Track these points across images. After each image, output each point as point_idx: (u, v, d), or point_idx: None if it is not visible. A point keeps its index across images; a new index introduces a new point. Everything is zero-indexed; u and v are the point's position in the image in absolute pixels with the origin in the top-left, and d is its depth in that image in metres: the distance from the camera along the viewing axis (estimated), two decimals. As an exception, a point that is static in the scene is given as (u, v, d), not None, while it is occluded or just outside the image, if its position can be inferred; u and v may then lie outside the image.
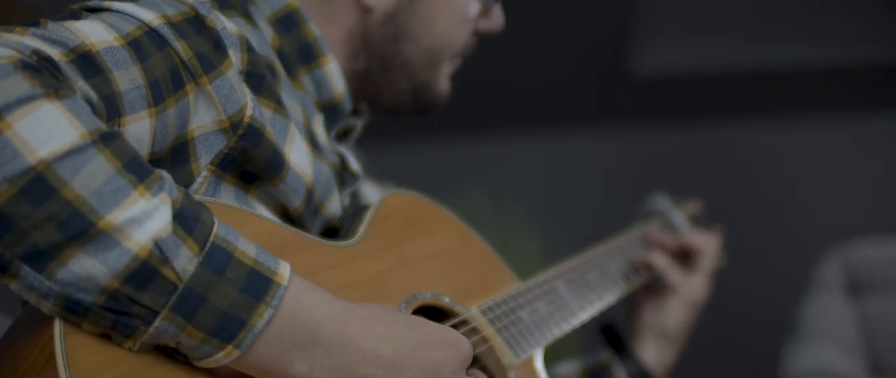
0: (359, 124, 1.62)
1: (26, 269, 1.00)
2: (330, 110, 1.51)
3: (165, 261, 1.03)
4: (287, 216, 1.39)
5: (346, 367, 1.13)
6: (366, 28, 1.51)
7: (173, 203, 1.06)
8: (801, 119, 4.23)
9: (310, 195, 1.39)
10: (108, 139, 1.03)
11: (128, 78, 1.15)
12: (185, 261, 1.04)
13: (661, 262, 1.82)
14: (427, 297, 1.42)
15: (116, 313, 1.03)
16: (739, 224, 4.28)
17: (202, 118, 1.26)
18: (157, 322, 1.04)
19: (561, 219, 4.15)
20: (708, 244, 1.86)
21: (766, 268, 4.29)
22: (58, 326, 1.03)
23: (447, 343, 1.22)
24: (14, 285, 1.01)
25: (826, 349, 3.33)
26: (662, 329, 1.80)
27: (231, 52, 1.29)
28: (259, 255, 1.10)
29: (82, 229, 0.99)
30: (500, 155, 4.43)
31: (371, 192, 1.70)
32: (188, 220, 1.06)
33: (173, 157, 1.24)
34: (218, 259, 1.06)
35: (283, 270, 1.11)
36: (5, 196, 0.97)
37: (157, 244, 1.02)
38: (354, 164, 1.57)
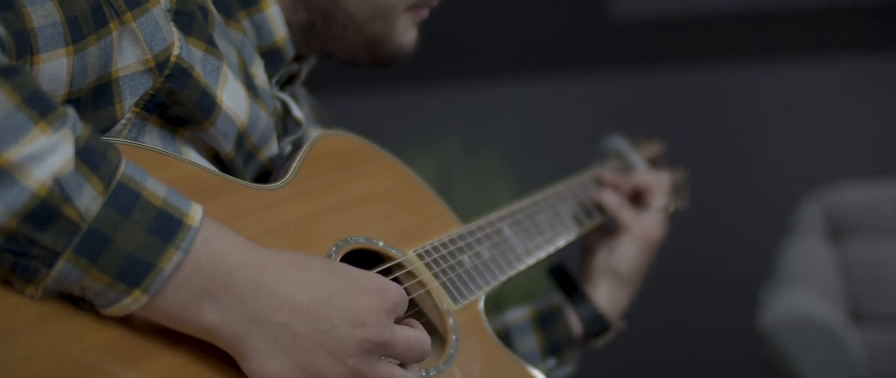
0: (304, 69, 1.56)
1: None
2: (271, 55, 1.45)
3: (67, 199, 0.98)
4: (218, 160, 1.35)
5: (259, 315, 1.08)
6: None
7: (77, 139, 1.01)
8: (780, 61, 4.19)
9: (241, 139, 1.35)
10: (8, 74, 0.99)
11: (42, 14, 1.10)
12: (89, 200, 1.00)
13: (612, 200, 1.77)
14: (360, 242, 1.38)
15: (16, 255, 0.98)
16: (719, 168, 4.26)
17: (126, 58, 1.21)
18: (60, 264, 0.99)
19: (538, 165, 4.11)
20: (659, 182, 1.81)
21: (746, 212, 4.26)
22: None
23: (372, 289, 1.16)
24: None
25: (805, 294, 3.31)
26: (615, 270, 1.75)
27: None
28: (169, 196, 1.06)
29: None
30: (477, 101, 4.39)
31: None
32: (93, 157, 1.02)
33: (95, 98, 1.20)
34: (124, 199, 1.02)
35: (195, 212, 1.06)
36: None
37: (58, 181, 0.98)
38: (298, 112, 1.51)
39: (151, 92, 1.23)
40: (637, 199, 1.82)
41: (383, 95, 4.23)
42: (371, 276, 1.18)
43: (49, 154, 0.98)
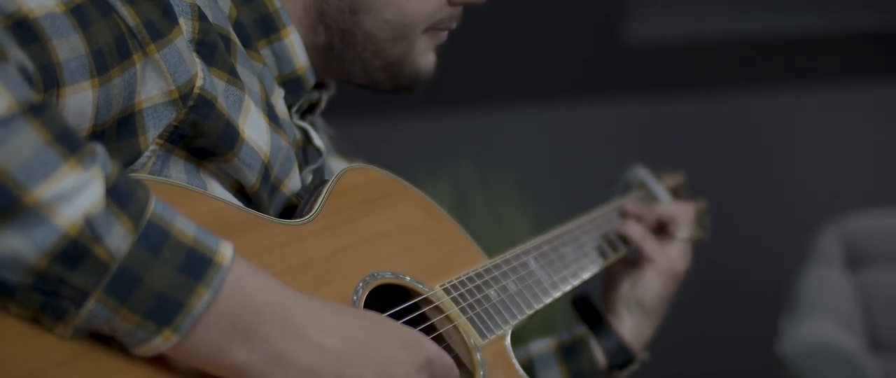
0: (324, 98, 1.55)
1: None
2: (291, 84, 1.44)
3: (97, 238, 0.97)
4: (242, 193, 1.33)
5: (286, 356, 1.07)
6: (321, 1, 1.43)
7: (107, 178, 1.00)
8: (798, 87, 4.18)
9: (266, 171, 1.34)
10: (38, 110, 0.98)
11: (68, 46, 1.09)
12: (119, 239, 0.98)
13: (636, 232, 1.76)
14: (386, 276, 1.36)
15: (45, 294, 0.97)
16: (737, 195, 4.24)
17: (150, 89, 1.20)
18: (89, 304, 0.98)
19: (553, 189, 4.10)
20: (683, 212, 1.80)
21: (764, 239, 4.24)
22: None
23: (404, 342, 1.16)
24: None
25: (824, 322, 3.29)
26: (639, 301, 1.75)
27: (181, 20, 1.24)
28: (199, 235, 1.04)
29: (7, 204, 0.93)
30: (492, 125, 4.38)
31: (338, 168, 1.64)
32: (123, 195, 1.00)
33: (119, 130, 1.19)
34: (154, 238, 1.01)
35: (225, 250, 1.05)
36: None
37: (88, 220, 0.97)
38: (318, 140, 1.50)
39: (175, 123, 1.22)
40: (661, 229, 1.81)
41: (398, 121, 4.22)
42: (406, 331, 1.18)
43: (79, 192, 0.97)
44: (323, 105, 1.56)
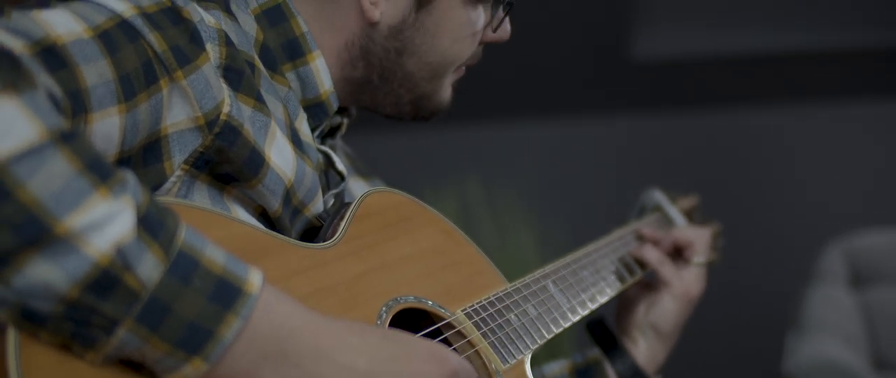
0: (345, 122, 1.56)
1: None
2: (315, 108, 1.44)
3: (128, 268, 0.97)
4: (265, 217, 1.34)
5: None
6: (368, 40, 1.45)
7: (138, 206, 1.00)
8: (803, 105, 4.19)
9: (288, 196, 1.34)
10: (69, 139, 0.97)
11: (96, 72, 1.10)
12: (150, 268, 0.98)
13: (653, 256, 1.77)
14: (409, 301, 1.37)
15: (76, 323, 0.97)
16: (741, 212, 4.24)
17: (176, 115, 1.20)
18: (120, 333, 0.98)
19: (559, 206, 4.11)
20: (699, 237, 1.81)
21: (769, 258, 4.24)
22: (12, 336, 0.97)
23: (430, 357, 1.17)
24: None
25: (829, 341, 3.30)
26: (654, 325, 1.76)
27: (208, 46, 1.25)
28: (228, 263, 1.04)
29: (38, 234, 0.93)
30: (498, 142, 4.38)
31: (358, 190, 1.64)
32: (153, 224, 1.00)
33: (145, 155, 1.20)
34: (184, 267, 1.01)
35: (254, 279, 1.05)
36: None
37: (120, 250, 0.96)
38: (340, 164, 1.51)
39: (201, 149, 1.23)
40: (677, 253, 1.82)
41: (405, 136, 4.22)
42: (430, 344, 1.18)
43: (110, 221, 0.97)
44: (344, 129, 1.57)
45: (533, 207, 3.95)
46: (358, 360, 1.10)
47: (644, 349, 1.76)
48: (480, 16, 1.50)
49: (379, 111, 1.54)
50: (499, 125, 4.41)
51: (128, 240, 0.97)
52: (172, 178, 1.22)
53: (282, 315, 1.06)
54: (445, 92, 1.54)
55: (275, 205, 1.32)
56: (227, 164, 1.26)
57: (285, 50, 1.42)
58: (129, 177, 1.02)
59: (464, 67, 1.55)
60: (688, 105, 4.30)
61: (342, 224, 1.37)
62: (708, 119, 4.25)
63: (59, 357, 0.99)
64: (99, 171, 0.98)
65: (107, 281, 0.96)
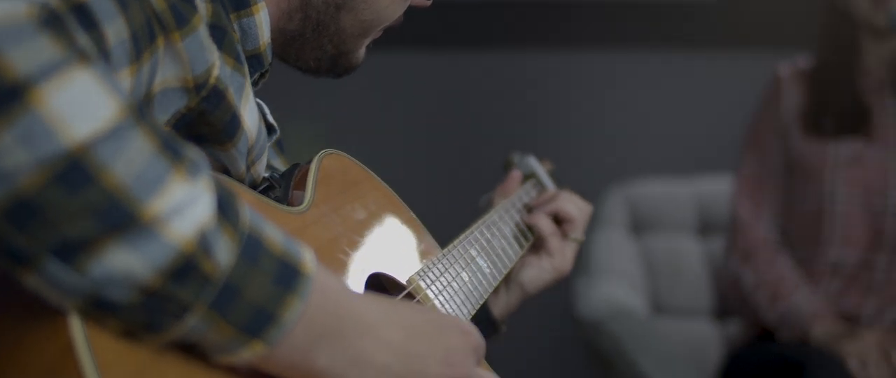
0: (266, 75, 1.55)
1: (54, 262, 0.88)
2: (252, 60, 1.40)
3: (208, 253, 0.94)
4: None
5: (364, 356, 1.08)
6: None
7: (214, 188, 0.97)
8: (587, 51, 4.27)
9: (248, 155, 1.33)
10: (142, 114, 0.93)
11: (114, 31, 1.02)
12: (226, 252, 0.95)
13: (546, 226, 1.83)
14: (380, 269, 1.41)
15: (149, 311, 0.93)
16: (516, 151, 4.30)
17: (165, 73, 1.15)
18: (191, 320, 0.95)
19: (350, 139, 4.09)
20: (581, 213, 1.88)
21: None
22: (78, 326, 0.92)
23: (459, 330, 1.21)
24: (31, 279, 0.89)
25: (615, 285, 3.45)
26: (523, 284, 1.82)
27: (198, 3, 1.20)
28: (285, 243, 1.03)
29: (123, 220, 0.88)
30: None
31: None
32: (225, 205, 0.98)
33: None
34: (252, 248, 0.98)
35: (308, 257, 1.04)
36: (35, 182, 0.85)
37: (204, 236, 0.93)
38: (270, 116, 1.50)
39: (184, 111, 1.19)
40: (556, 224, 1.88)
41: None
42: (452, 318, 1.23)
43: (192, 205, 0.93)
44: (259, 84, 1.56)
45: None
46: (396, 336, 1.12)
47: (503, 302, 1.83)
48: None
49: (298, 64, 1.52)
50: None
51: (210, 225, 0.94)
52: None
53: (334, 293, 1.06)
54: (363, 51, 1.54)
55: (241, 167, 1.31)
56: (205, 126, 1.23)
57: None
58: (198, 154, 0.98)
59: (382, 29, 1.55)
60: (467, 45, 4.27)
61: (308, 187, 1.37)
62: (489, 60, 4.25)
63: (125, 345, 0.95)
64: (173, 149, 0.94)
65: (187, 267, 0.93)
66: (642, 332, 3.25)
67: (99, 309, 0.92)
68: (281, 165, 1.60)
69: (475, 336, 1.23)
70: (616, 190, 3.80)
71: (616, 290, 3.42)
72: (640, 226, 3.78)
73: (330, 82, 1.62)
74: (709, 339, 3.58)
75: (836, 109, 3.02)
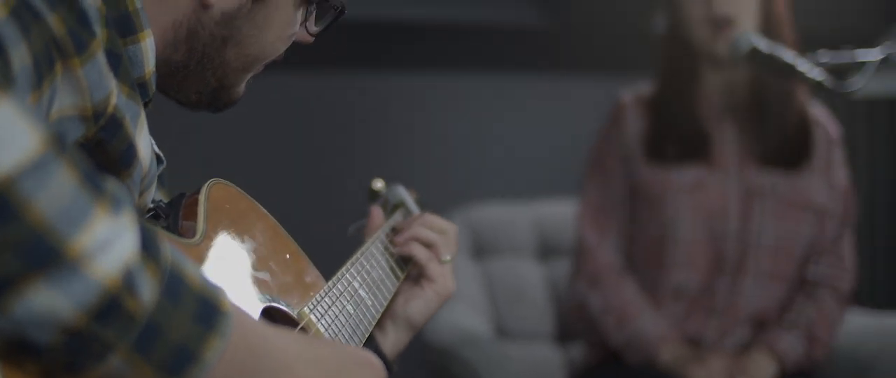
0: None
1: None
2: (138, 89, 1.36)
3: (131, 291, 0.90)
4: None
5: None
6: (197, 23, 1.37)
7: (136, 222, 0.93)
8: (424, 73, 4.27)
9: (140, 184, 1.28)
10: (63, 146, 0.89)
11: (19, 57, 0.97)
12: (149, 290, 0.92)
13: (422, 254, 1.81)
14: (273, 301, 1.38)
15: (71, 352, 0.89)
16: (369, 178, 4.26)
17: (62, 101, 1.09)
18: (113, 360, 0.91)
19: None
20: (449, 234, 1.86)
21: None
22: None
23: (367, 363, 1.21)
24: None
25: (459, 310, 3.46)
26: (410, 318, 1.79)
27: (96, 29, 1.15)
28: (202, 279, 1.00)
29: (47, 258, 0.85)
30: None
31: None
32: (148, 242, 0.94)
33: None
34: (174, 285, 0.96)
35: (224, 295, 1.01)
36: None
37: (128, 273, 0.90)
38: (156, 147, 1.45)
39: (81, 141, 1.14)
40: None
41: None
42: (361, 351, 1.23)
43: (116, 241, 0.90)
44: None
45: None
46: (312, 373, 1.11)
47: (393, 340, 1.79)
48: (299, 16, 1.48)
49: (178, 97, 1.48)
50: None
51: (134, 261, 0.91)
52: None
53: (251, 331, 1.04)
54: (243, 85, 1.51)
55: (135, 196, 1.26)
56: (102, 155, 1.18)
57: (119, 25, 1.29)
58: (119, 187, 0.95)
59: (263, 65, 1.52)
60: (313, 67, 4.25)
61: (200, 218, 1.33)
62: (344, 80, 4.22)
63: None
64: (94, 183, 0.91)
65: (111, 306, 0.89)
66: (492, 356, 3.26)
67: (19, 350, 0.88)
68: (161, 196, 1.55)
69: (380, 368, 1.23)
70: (457, 214, 3.81)
71: (462, 316, 3.43)
72: (481, 250, 3.79)
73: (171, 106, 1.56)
74: (552, 362, 3.62)
75: (678, 136, 3.09)
